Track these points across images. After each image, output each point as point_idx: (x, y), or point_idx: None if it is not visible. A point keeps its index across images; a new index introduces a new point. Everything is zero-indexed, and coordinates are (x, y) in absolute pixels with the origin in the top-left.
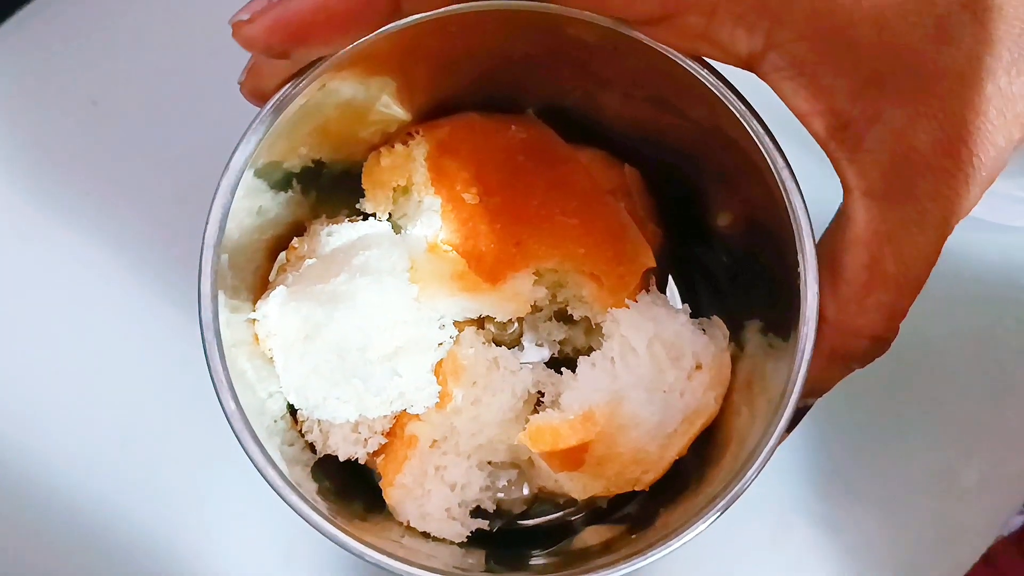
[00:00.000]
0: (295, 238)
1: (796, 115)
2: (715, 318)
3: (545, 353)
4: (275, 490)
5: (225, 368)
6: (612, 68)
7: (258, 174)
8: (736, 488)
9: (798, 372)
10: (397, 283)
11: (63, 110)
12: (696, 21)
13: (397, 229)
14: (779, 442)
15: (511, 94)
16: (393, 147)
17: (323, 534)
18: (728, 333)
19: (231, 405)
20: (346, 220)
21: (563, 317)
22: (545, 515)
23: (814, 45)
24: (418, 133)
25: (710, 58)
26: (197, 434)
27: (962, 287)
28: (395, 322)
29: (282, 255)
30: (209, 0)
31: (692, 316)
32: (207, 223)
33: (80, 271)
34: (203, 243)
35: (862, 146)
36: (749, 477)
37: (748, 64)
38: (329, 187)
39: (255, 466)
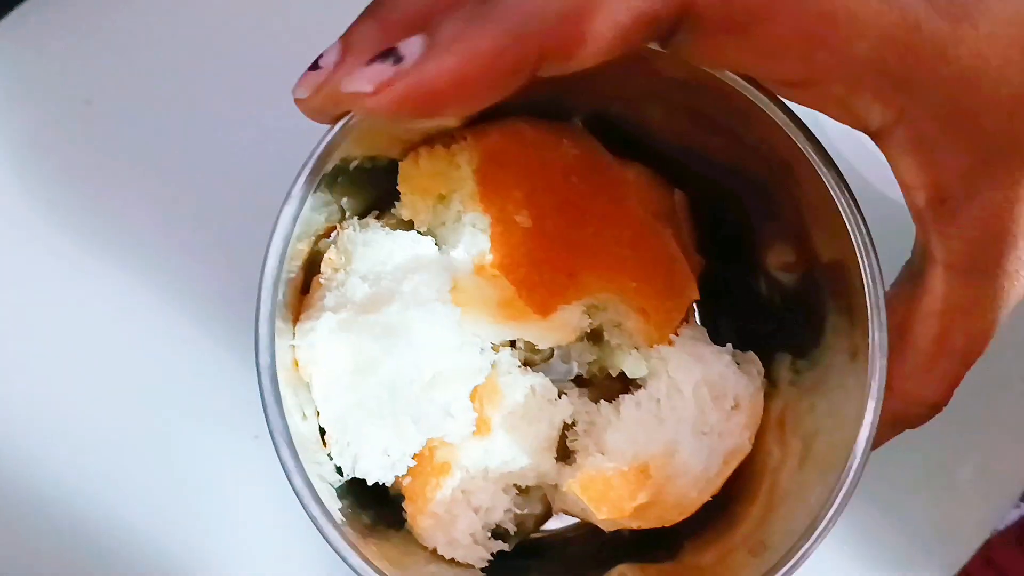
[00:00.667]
0: (331, 248)
1: (901, 186)
2: (750, 354)
3: (572, 369)
4: (332, 546)
5: (284, 421)
6: (681, 97)
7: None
8: (800, 555)
9: (863, 445)
10: (445, 310)
11: (56, 110)
12: (837, 90)
13: (435, 239)
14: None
15: (556, 99)
16: (433, 148)
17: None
18: (763, 369)
19: (291, 464)
20: (377, 224)
21: (594, 337)
22: (552, 526)
23: (943, 125)
24: (463, 138)
25: (838, 120)
26: (196, 436)
27: None
28: (441, 350)
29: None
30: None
31: (718, 343)
32: (266, 257)
33: (73, 272)
34: (261, 280)
35: (956, 221)
36: (814, 542)
37: (875, 134)
38: (353, 181)
39: (316, 526)
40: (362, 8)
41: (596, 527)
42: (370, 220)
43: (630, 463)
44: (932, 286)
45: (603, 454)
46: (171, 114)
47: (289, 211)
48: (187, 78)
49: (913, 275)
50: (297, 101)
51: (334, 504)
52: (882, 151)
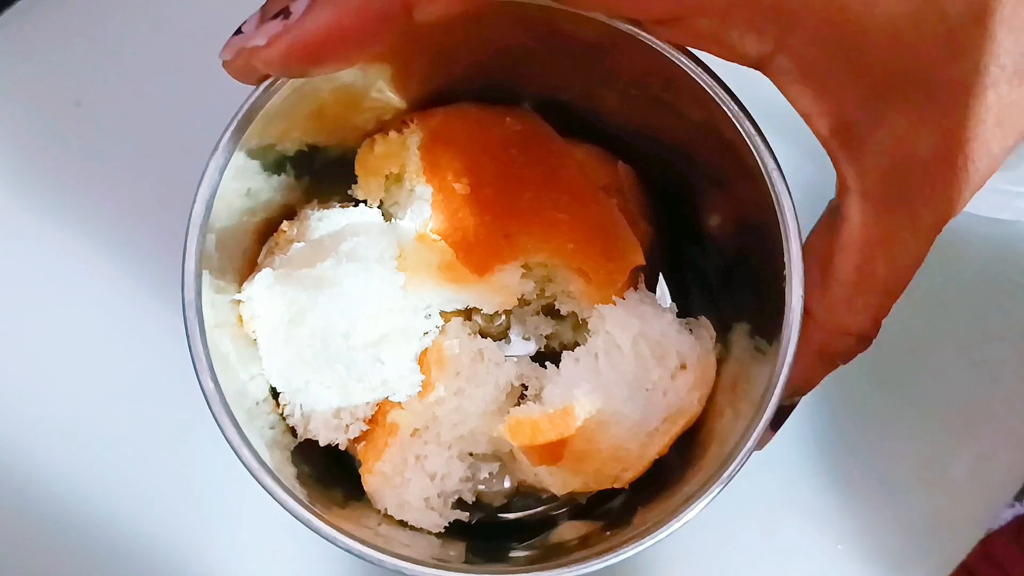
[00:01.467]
0: (285, 221)
1: (801, 115)
2: (702, 318)
3: (532, 347)
4: (250, 471)
5: (205, 347)
6: (610, 64)
7: (251, 155)
8: (714, 487)
9: (780, 373)
10: (384, 271)
11: (46, 111)
12: (707, 24)
13: (388, 217)
14: (758, 443)
15: (507, 86)
16: (387, 134)
17: (297, 518)
18: (715, 334)
19: (210, 385)
20: (337, 206)
21: (551, 311)
22: (526, 509)
23: (824, 51)
24: (412, 121)
25: (719, 57)
26: (183, 431)
27: (950, 279)
28: (380, 310)
29: (272, 238)
30: (191, 1)
31: (681, 316)
32: (194, 202)
33: (63, 271)
34: (189, 222)
35: (864, 148)
36: (727, 476)
37: (756, 65)
38: (323, 172)
39: (231, 446)
40: None
41: (567, 507)
42: (333, 203)
43: (557, 408)
44: (850, 216)
45: (539, 404)
46: (160, 115)
47: (216, 163)
48: (175, 79)
49: (833, 209)
50: (223, 64)
51: (288, 471)
52: (772, 82)
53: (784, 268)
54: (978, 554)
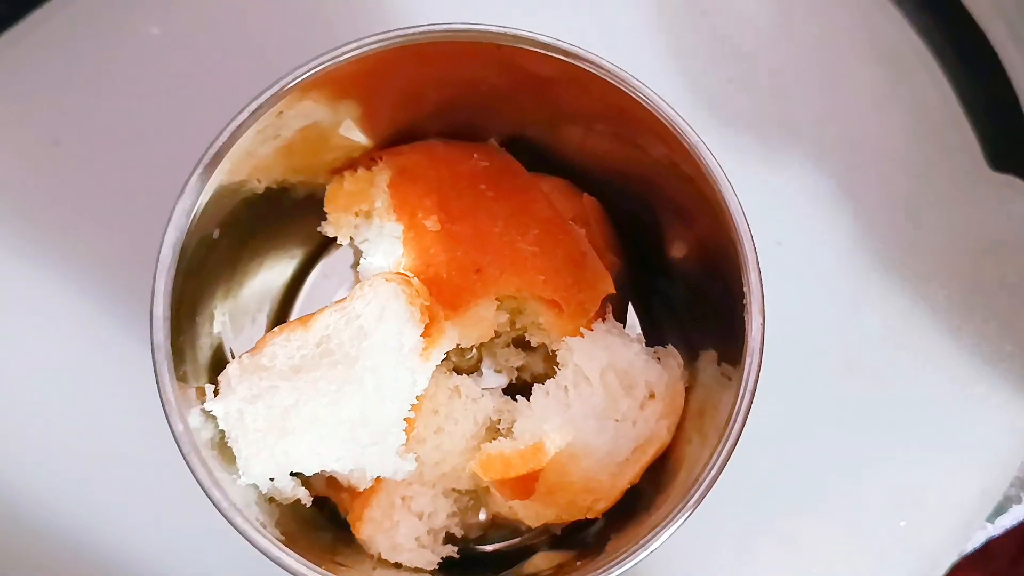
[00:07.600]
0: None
1: None
2: (670, 347)
3: (503, 379)
4: (222, 513)
5: (175, 390)
6: (573, 102)
7: (220, 196)
8: (682, 513)
9: (742, 402)
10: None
11: (25, 150)
12: None
13: (358, 254)
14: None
15: (474, 124)
16: (356, 171)
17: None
18: (683, 362)
19: (179, 427)
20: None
21: (521, 343)
22: (502, 541)
23: None
24: (380, 159)
25: None
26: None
27: (922, 300)
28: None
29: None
30: (170, 41)
31: (650, 344)
32: (161, 245)
33: (40, 310)
34: (157, 265)
35: None
36: (694, 502)
37: None
38: (292, 211)
39: (202, 488)
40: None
41: (543, 538)
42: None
43: (528, 442)
44: None
45: (510, 438)
46: (138, 154)
47: (183, 206)
48: (154, 119)
49: None
50: None
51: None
52: None
53: (744, 297)
54: None
